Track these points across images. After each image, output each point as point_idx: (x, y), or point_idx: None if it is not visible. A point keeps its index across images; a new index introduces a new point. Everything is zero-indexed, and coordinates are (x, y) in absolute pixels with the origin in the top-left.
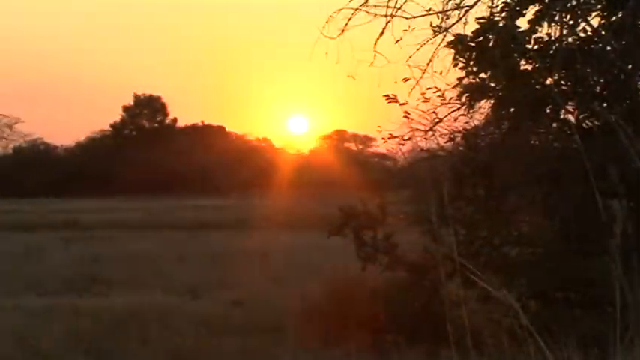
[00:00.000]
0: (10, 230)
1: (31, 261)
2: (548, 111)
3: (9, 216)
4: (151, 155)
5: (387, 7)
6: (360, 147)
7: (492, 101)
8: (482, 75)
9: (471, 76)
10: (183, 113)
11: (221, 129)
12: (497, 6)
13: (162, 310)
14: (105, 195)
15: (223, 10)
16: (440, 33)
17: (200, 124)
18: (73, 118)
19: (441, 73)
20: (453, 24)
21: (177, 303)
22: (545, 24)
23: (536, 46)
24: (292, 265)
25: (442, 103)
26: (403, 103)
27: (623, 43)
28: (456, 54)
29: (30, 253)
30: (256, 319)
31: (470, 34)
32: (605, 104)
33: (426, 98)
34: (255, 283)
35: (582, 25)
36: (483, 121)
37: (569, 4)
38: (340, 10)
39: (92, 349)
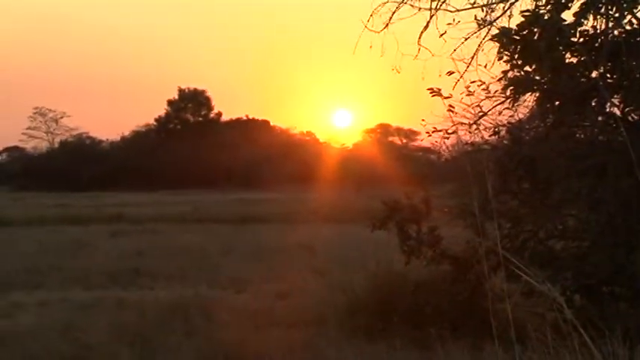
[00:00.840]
0: (58, 224)
1: (78, 254)
2: (593, 104)
3: (56, 210)
4: (195, 149)
5: (432, 0)
6: (404, 140)
7: (537, 94)
8: (527, 68)
9: (515, 70)
10: (228, 107)
11: (265, 123)
12: None
13: (206, 304)
14: (149, 189)
15: (268, 5)
16: (484, 26)
17: (244, 117)
18: (119, 112)
19: (485, 67)
20: (498, 17)
21: (222, 296)
22: (591, 16)
23: (581, 39)
24: (336, 258)
25: (486, 97)
26: (447, 97)
27: None
28: (500, 47)
29: (77, 246)
30: (300, 313)
31: (515, 27)
32: None
33: (470, 92)
34: (300, 277)
35: (628, 17)
36: (528, 114)
37: None
38: (385, 3)
39: (137, 342)
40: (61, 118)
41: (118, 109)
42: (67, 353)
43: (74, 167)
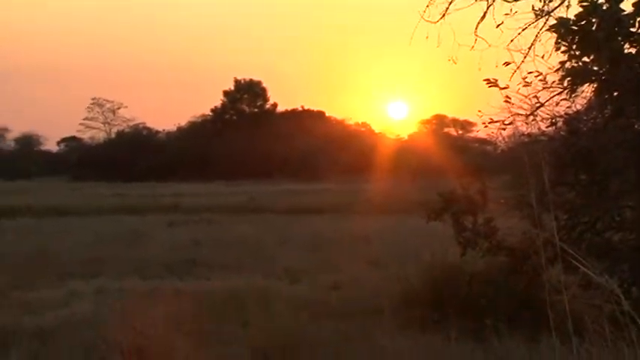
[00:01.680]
0: (115, 213)
1: (135, 244)
2: None
3: (113, 199)
4: (250, 140)
5: None
6: (460, 132)
7: (595, 85)
8: (585, 59)
9: (573, 60)
10: (284, 98)
11: (321, 114)
12: None
13: (261, 294)
14: (205, 179)
15: None
16: (542, 16)
17: (300, 108)
18: (175, 103)
19: (542, 57)
20: (556, 7)
21: (277, 286)
22: None
23: None
24: (391, 249)
25: (544, 88)
26: (504, 88)
27: None
28: (558, 37)
29: (133, 236)
30: (355, 303)
31: (573, 17)
32: None
33: (527, 82)
34: (355, 267)
35: None
36: (586, 105)
37: None
38: None
39: (193, 332)
40: (119, 108)
41: (174, 100)
42: (123, 342)
43: (131, 157)
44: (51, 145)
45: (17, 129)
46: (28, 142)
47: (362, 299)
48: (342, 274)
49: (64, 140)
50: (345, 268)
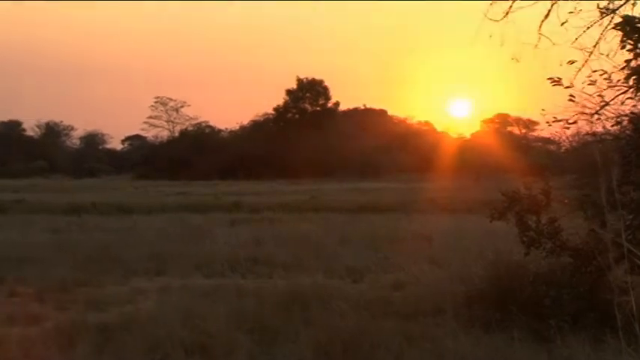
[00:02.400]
0: (178, 211)
1: (198, 242)
2: None
3: (177, 197)
4: (313, 138)
5: None
6: (523, 131)
7: None
8: None
9: (639, 59)
10: (346, 97)
11: (383, 112)
12: None
13: (323, 292)
14: (267, 177)
15: None
16: (607, 15)
17: (362, 107)
18: (238, 102)
19: (607, 56)
20: (621, 5)
21: (339, 285)
22: None
23: None
24: (454, 248)
25: (609, 86)
26: (568, 86)
27: None
28: (623, 36)
29: (196, 234)
30: (417, 303)
31: (638, 15)
32: None
33: (592, 81)
34: (417, 267)
35: None
36: None
37: None
38: None
39: (256, 329)
40: (182, 107)
41: (237, 99)
42: (187, 339)
43: (194, 156)
44: (115, 144)
45: (82, 127)
46: (92, 140)
47: (424, 299)
48: (403, 273)
49: (128, 139)
50: (407, 267)
